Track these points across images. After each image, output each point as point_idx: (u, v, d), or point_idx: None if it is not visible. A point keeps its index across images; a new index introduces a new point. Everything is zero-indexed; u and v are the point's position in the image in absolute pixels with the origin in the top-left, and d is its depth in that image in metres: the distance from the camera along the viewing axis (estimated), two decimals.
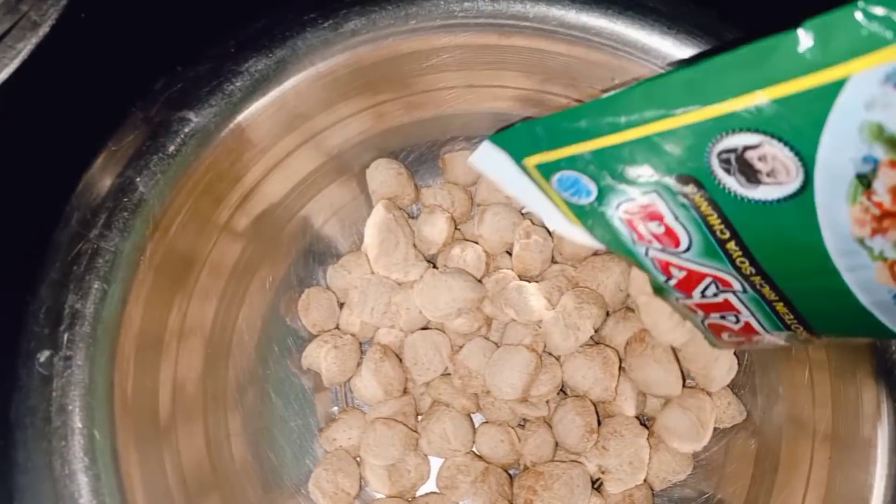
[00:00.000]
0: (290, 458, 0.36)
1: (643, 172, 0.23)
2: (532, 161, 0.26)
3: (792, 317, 0.26)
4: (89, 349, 0.26)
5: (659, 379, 0.33)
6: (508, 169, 0.27)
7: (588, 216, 0.27)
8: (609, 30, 0.32)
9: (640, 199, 0.24)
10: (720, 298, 0.26)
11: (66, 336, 0.26)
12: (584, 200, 0.26)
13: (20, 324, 0.32)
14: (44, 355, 0.26)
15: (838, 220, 0.20)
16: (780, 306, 0.25)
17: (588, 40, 0.32)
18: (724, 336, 0.29)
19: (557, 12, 0.32)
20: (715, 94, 0.20)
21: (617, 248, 0.27)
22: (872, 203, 0.19)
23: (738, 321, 0.28)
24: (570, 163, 0.25)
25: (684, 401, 0.33)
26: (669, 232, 0.25)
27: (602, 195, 0.25)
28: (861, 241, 0.20)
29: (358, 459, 0.35)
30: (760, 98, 0.19)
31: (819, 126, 0.19)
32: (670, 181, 0.23)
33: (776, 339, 0.28)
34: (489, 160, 0.27)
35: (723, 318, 0.28)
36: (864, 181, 0.19)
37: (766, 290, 0.25)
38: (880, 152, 0.18)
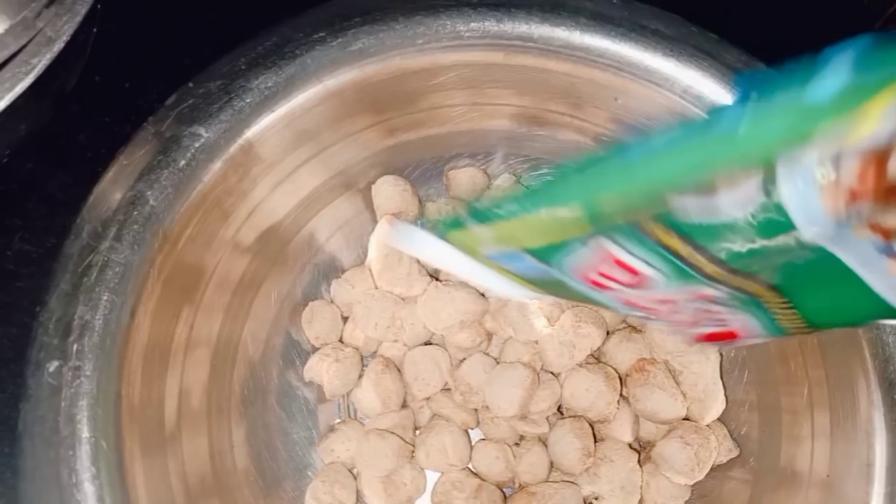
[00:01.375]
0: (291, 469, 0.36)
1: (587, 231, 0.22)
2: (462, 237, 0.25)
3: (788, 309, 0.25)
4: (98, 360, 0.27)
5: (665, 406, 0.33)
6: (426, 241, 0.26)
7: (533, 280, 0.25)
8: (612, 51, 0.33)
9: (588, 250, 0.23)
10: (701, 309, 0.26)
11: (75, 347, 0.27)
12: (527, 269, 0.24)
13: (30, 334, 0.33)
14: (53, 365, 0.26)
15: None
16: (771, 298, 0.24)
17: (592, 61, 0.33)
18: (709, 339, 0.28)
19: (562, 33, 0.33)
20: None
21: (575, 297, 0.26)
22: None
23: (724, 325, 0.27)
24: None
25: (687, 434, 0.33)
26: (630, 270, 0.23)
27: (547, 259, 0.24)
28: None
29: (355, 472, 0.35)
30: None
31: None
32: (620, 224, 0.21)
33: (761, 333, 0.26)
34: (402, 236, 0.26)
35: (708, 323, 0.27)
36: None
37: (753, 286, 0.23)
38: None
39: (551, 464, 0.34)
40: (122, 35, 0.38)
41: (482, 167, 0.39)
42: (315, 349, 0.37)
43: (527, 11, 0.33)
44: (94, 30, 0.37)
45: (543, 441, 0.35)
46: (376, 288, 0.36)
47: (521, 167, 0.39)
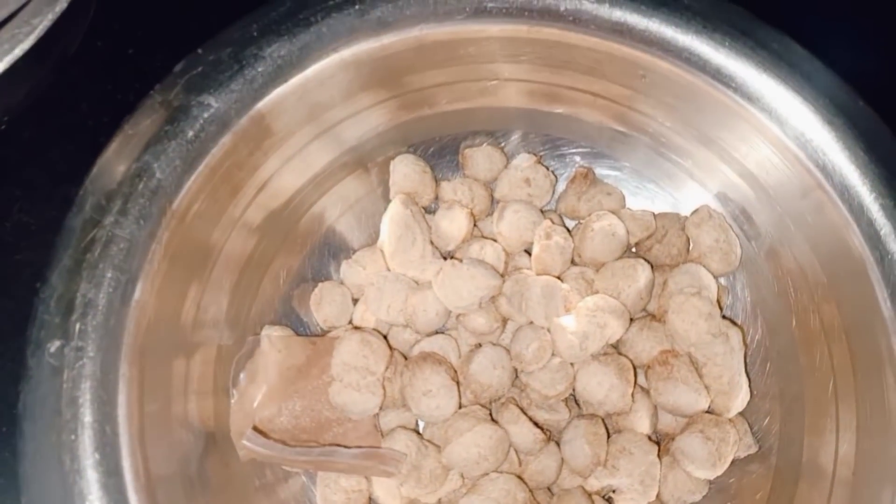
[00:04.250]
0: None
1: None
2: None
3: None
4: (102, 340, 0.25)
5: (689, 400, 0.32)
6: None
7: None
8: (642, 26, 0.31)
9: None
10: None
11: (77, 326, 0.25)
12: None
13: (29, 309, 0.32)
14: (54, 345, 0.25)
15: None
16: None
17: (619, 36, 0.32)
18: None
19: (590, 6, 0.31)
20: None
21: None
22: None
23: None
24: None
25: (708, 429, 0.32)
26: None
27: None
28: None
29: None
30: None
31: None
32: None
33: None
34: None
35: None
36: None
37: None
38: None
39: (561, 465, 0.33)
40: None
41: (500, 146, 0.37)
42: (324, 331, 0.35)
43: None
44: None
45: (555, 440, 0.33)
46: (388, 270, 0.35)
47: (541, 147, 0.37)
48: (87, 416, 0.25)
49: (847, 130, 0.30)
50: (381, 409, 0.33)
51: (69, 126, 0.36)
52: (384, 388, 0.33)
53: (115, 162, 0.28)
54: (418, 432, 0.34)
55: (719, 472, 0.32)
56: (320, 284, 0.35)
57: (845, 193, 0.30)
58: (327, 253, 0.36)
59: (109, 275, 0.26)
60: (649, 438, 0.33)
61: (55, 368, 0.25)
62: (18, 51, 0.29)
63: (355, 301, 0.36)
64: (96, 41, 0.37)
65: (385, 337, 0.35)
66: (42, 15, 0.29)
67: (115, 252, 0.26)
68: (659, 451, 0.33)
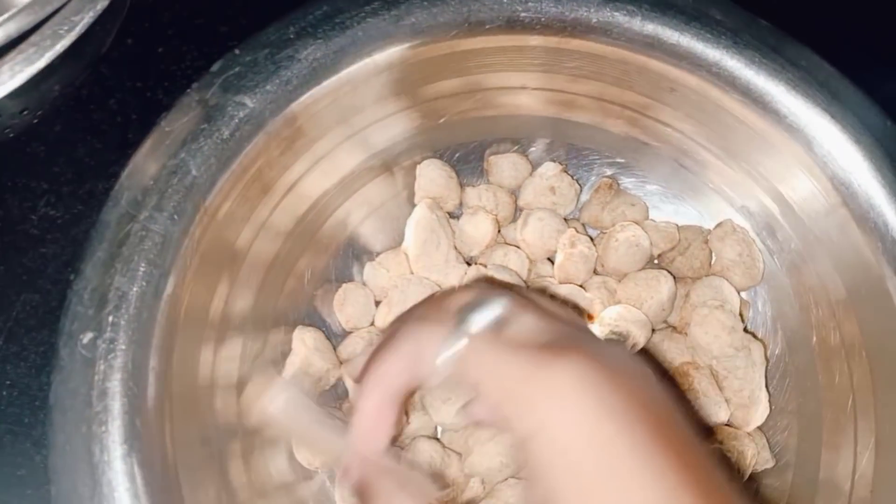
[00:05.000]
0: None
1: None
2: None
3: None
4: (134, 333, 0.26)
5: (709, 413, 0.32)
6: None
7: None
8: (673, 40, 0.32)
9: None
10: None
11: (110, 318, 0.26)
12: None
13: (53, 302, 0.32)
14: (87, 337, 0.25)
15: None
16: None
17: (650, 49, 0.32)
18: None
19: (622, 19, 0.32)
20: None
21: None
22: None
23: None
24: None
25: (727, 442, 0.32)
26: None
27: None
28: None
29: None
30: None
31: None
32: None
33: None
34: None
35: None
36: None
37: None
38: None
39: None
40: None
41: (525, 154, 0.38)
42: (346, 332, 0.36)
43: None
44: None
45: None
46: (412, 273, 0.35)
47: (566, 156, 0.38)
48: (117, 408, 0.25)
49: (874, 149, 0.31)
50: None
51: (98, 122, 0.36)
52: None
53: (151, 158, 0.28)
54: (439, 440, 0.34)
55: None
56: (344, 285, 0.36)
57: (870, 212, 0.31)
58: (351, 255, 0.37)
59: (143, 269, 0.26)
60: None
61: (87, 360, 0.25)
62: (59, 47, 0.29)
63: (377, 303, 0.36)
64: (127, 39, 0.37)
65: None
66: (84, 12, 0.30)
67: (149, 247, 0.27)
68: None
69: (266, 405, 0.26)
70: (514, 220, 0.37)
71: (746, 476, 0.32)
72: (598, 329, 0.32)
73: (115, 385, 0.25)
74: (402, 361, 0.23)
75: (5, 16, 0.27)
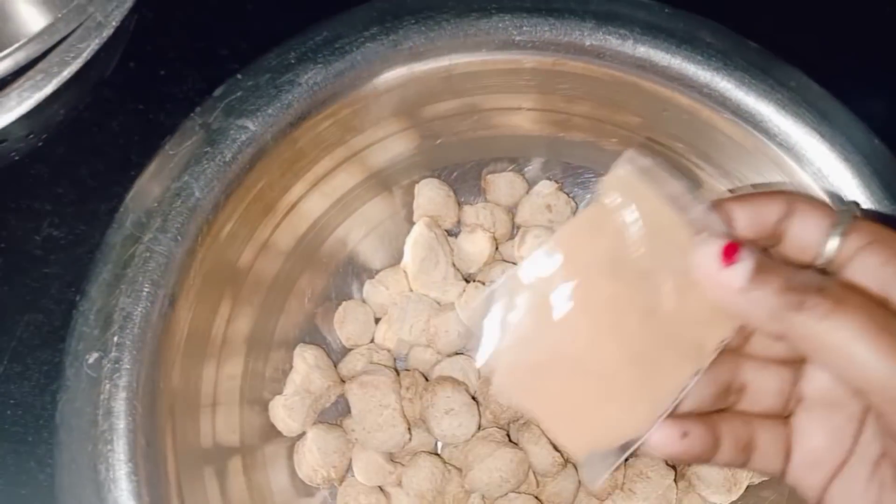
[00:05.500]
0: None
1: None
2: None
3: None
4: (138, 353, 0.26)
5: None
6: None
7: None
8: (664, 63, 0.32)
9: None
10: None
11: (115, 339, 0.26)
12: None
13: (56, 322, 0.33)
14: (93, 357, 0.26)
15: None
16: None
17: (642, 71, 0.33)
18: None
19: (615, 42, 0.32)
20: None
21: None
22: None
23: None
24: None
25: None
26: None
27: None
28: None
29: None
30: None
31: None
32: None
33: None
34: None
35: None
36: None
37: None
38: None
39: (578, 487, 0.34)
40: (158, 22, 0.37)
41: (521, 172, 0.38)
42: (346, 349, 0.36)
43: (580, 18, 0.32)
44: (136, 16, 0.37)
45: (572, 462, 0.34)
46: (411, 290, 0.36)
47: (562, 174, 0.38)
48: (122, 427, 0.25)
49: (862, 167, 0.31)
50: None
51: (101, 144, 0.36)
52: (405, 415, 0.33)
53: (155, 181, 0.29)
54: (439, 455, 0.34)
55: (734, 497, 0.33)
56: (343, 303, 0.36)
57: None
58: (351, 273, 0.37)
59: (147, 290, 0.27)
60: (666, 463, 0.33)
61: (93, 379, 0.26)
62: (66, 73, 0.30)
63: (377, 320, 0.36)
64: (129, 63, 0.38)
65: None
66: (90, 40, 0.30)
67: (153, 267, 0.27)
68: (675, 475, 0.33)
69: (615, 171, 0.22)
70: (512, 237, 0.38)
71: (743, 489, 0.33)
72: None
73: (121, 404, 0.26)
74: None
75: (15, 46, 0.28)
